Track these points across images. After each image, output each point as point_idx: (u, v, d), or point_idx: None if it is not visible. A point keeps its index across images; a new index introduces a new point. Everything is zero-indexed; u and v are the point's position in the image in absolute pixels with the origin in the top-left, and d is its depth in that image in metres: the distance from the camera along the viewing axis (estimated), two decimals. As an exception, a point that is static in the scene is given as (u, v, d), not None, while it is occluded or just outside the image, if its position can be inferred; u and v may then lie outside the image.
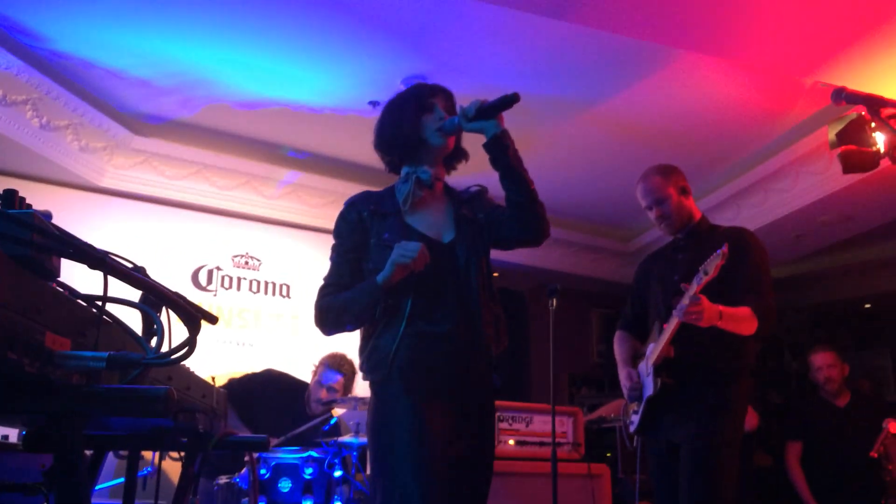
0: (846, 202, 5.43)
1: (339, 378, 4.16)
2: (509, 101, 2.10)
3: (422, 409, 2.03)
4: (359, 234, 2.21)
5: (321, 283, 2.25)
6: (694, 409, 2.86)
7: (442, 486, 1.96)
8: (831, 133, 4.32)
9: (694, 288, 2.67)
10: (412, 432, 2.00)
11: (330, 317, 2.19)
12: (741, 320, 2.79)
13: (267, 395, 4.19)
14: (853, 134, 2.34)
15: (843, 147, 2.34)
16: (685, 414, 2.88)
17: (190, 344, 1.04)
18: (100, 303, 1.08)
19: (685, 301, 2.67)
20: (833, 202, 5.41)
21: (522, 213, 2.18)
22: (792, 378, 7.65)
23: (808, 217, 5.67)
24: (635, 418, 3.12)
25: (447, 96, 2.31)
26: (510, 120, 2.19)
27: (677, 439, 2.90)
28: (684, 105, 4.74)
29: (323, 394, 4.14)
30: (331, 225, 2.27)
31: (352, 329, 2.21)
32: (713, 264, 2.63)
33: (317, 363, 4.26)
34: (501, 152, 2.14)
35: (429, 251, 2.06)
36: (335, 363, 4.19)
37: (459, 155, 2.33)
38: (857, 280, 7.47)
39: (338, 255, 2.25)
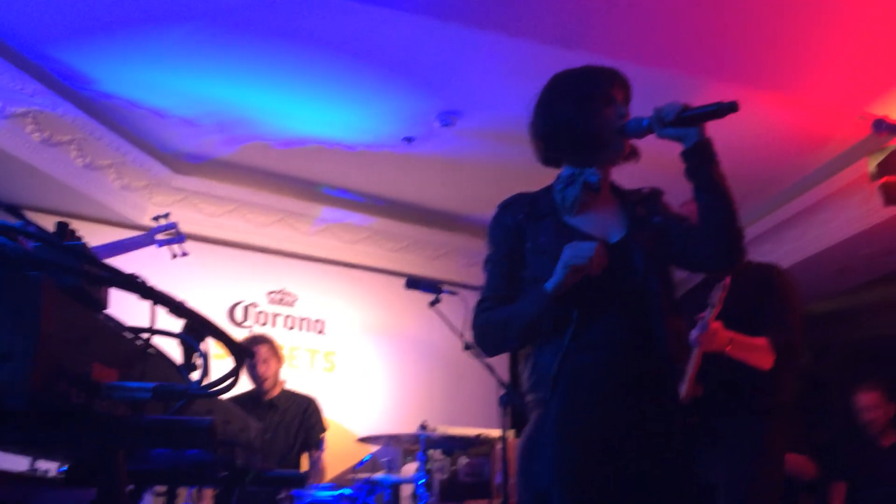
0: (889, 235, 5.31)
1: None
2: (723, 110, 1.74)
3: (582, 447, 1.75)
4: (514, 240, 1.95)
5: (478, 298, 1.99)
6: (728, 450, 2.78)
7: None
8: (872, 164, 4.27)
9: (708, 319, 2.65)
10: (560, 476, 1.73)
11: (491, 334, 1.92)
12: (754, 350, 2.73)
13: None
14: (895, 165, 2.31)
15: (885, 178, 2.31)
16: (720, 454, 2.79)
17: (234, 375, 1.04)
18: (145, 335, 1.09)
19: (698, 328, 2.66)
20: (875, 235, 5.28)
21: (720, 235, 1.84)
22: (837, 416, 7.42)
23: (849, 250, 5.54)
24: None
25: (625, 85, 1.98)
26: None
27: (714, 480, 2.82)
28: (717, 138, 4.68)
29: None
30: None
31: (517, 347, 1.95)
32: (716, 296, 2.63)
33: None
34: (705, 163, 1.85)
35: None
36: None
37: (632, 154, 2.01)
38: (903, 315, 7.26)
39: (493, 265, 1.99)
